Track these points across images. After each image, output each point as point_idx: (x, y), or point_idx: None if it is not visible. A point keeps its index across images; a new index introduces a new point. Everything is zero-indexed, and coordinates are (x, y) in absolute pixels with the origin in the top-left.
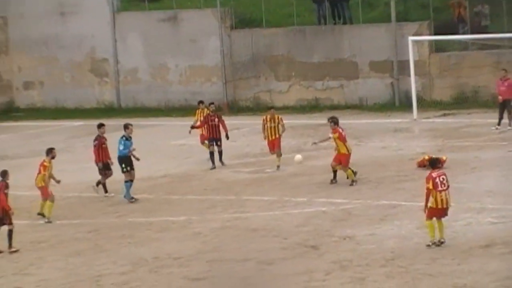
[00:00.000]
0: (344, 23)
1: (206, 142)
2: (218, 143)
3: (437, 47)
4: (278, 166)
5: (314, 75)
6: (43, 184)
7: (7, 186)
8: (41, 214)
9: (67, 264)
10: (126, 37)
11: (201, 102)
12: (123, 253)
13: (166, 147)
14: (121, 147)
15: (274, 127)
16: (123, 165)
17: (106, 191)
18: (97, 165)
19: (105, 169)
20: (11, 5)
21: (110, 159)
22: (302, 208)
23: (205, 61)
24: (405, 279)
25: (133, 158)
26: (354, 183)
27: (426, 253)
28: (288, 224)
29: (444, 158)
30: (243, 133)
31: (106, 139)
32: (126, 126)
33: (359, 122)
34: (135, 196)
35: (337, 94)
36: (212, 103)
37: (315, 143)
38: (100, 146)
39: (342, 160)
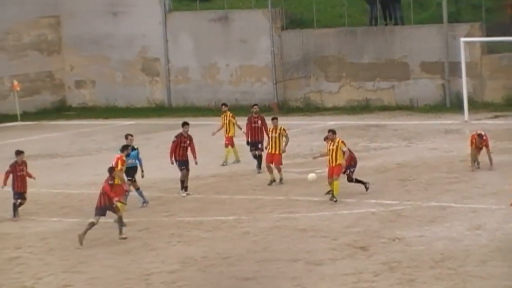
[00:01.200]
0: (396, 24)
1: (230, 147)
2: (260, 146)
3: (489, 49)
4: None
5: (364, 75)
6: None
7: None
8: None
9: (117, 262)
10: (177, 37)
11: (224, 104)
12: (172, 252)
13: (216, 147)
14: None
15: (275, 137)
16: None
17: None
18: (172, 161)
19: (180, 166)
20: (64, 5)
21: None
22: (351, 209)
23: (256, 61)
24: (454, 281)
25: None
26: (334, 199)
27: (476, 255)
28: (337, 225)
29: None
30: (293, 134)
31: (187, 139)
32: (125, 137)
33: (409, 123)
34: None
35: (388, 95)
36: (256, 105)
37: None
38: (179, 144)
39: (335, 171)
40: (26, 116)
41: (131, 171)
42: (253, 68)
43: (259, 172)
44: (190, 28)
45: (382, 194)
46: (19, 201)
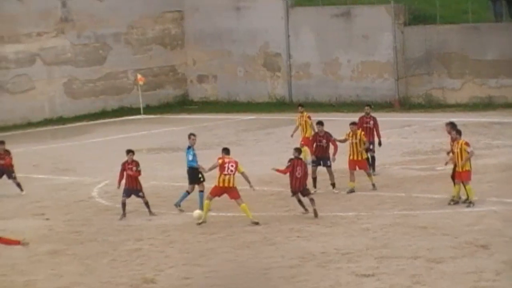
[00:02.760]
0: None
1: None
2: (371, 147)
3: None
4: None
5: (488, 72)
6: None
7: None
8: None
9: (236, 256)
10: (299, 32)
11: (300, 105)
12: (292, 247)
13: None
14: (190, 157)
15: (356, 143)
16: (200, 175)
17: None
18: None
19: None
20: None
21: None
22: (472, 207)
23: (378, 57)
24: None
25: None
26: (471, 204)
27: None
28: (458, 223)
29: None
30: (414, 130)
31: (325, 137)
32: (188, 136)
33: None
34: None
35: None
36: (368, 106)
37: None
38: (316, 141)
39: (464, 177)
40: (149, 109)
41: (195, 172)
42: (375, 64)
43: (373, 174)
44: (312, 23)
45: (505, 193)
46: (142, 198)
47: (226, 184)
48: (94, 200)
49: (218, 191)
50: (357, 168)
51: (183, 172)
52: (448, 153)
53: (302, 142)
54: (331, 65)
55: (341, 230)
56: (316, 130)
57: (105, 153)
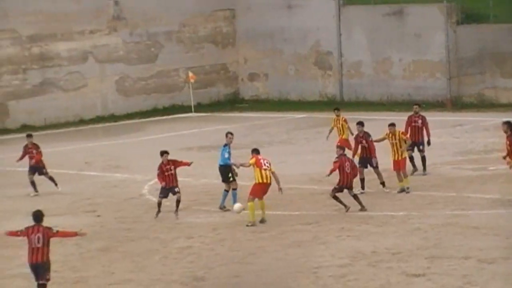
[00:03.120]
0: None
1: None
2: (421, 147)
3: None
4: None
5: None
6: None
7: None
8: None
9: (286, 254)
10: (350, 31)
11: (336, 109)
12: (342, 246)
13: (387, 142)
14: (226, 155)
15: (396, 143)
16: (230, 174)
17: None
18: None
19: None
20: None
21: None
22: None
23: (430, 56)
24: None
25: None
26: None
27: None
28: (510, 223)
29: None
30: (466, 130)
31: (364, 137)
32: (226, 134)
33: None
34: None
35: None
36: (417, 105)
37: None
38: (359, 142)
39: (401, 165)
40: (200, 107)
41: (231, 170)
42: (427, 63)
43: (414, 171)
44: (364, 22)
45: None
46: (177, 195)
47: (265, 180)
48: (145, 198)
49: (259, 188)
50: (400, 167)
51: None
52: (504, 157)
53: (339, 144)
54: (382, 64)
55: (391, 229)
56: (357, 132)
57: (156, 151)
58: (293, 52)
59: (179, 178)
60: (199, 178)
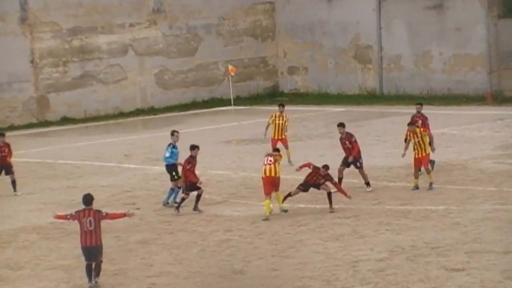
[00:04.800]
0: None
1: None
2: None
3: None
4: (431, 184)
5: None
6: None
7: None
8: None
9: (325, 248)
10: (390, 24)
11: (281, 105)
12: (381, 240)
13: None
14: (167, 155)
15: (419, 141)
16: (174, 173)
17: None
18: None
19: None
20: None
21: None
22: None
23: (470, 50)
24: None
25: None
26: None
27: None
28: None
29: None
30: (507, 124)
31: (346, 139)
32: (171, 133)
33: None
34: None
35: None
36: (419, 104)
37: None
38: (341, 143)
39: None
40: (239, 100)
41: (175, 168)
42: (468, 57)
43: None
44: (404, 16)
45: None
46: (199, 192)
47: (267, 174)
48: None
49: (263, 183)
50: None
51: None
52: None
53: (276, 140)
54: (423, 57)
55: (431, 224)
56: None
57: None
58: (333, 45)
59: (217, 172)
60: (237, 171)
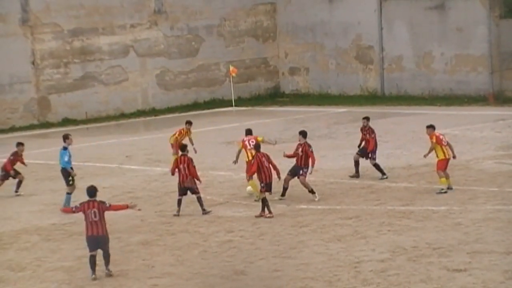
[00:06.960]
0: None
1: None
2: (374, 155)
3: None
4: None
5: None
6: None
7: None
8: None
9: (327, 249)
10: (392, 25)
11: (188, 122)
12: (383, 241)
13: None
14: (66, 159)
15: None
16: (70, 178)
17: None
18: None
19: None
20: None
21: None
22: None
23: (472, 50)
24: None
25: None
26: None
27: None
28: None
29: None
30: (509, 124)
31: (302, 146)
32: (66, 137)
33: None
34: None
35: None
36: (365, 118)
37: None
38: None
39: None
40: (240, 101)
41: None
42: (469, 58)
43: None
44: (406, 16)
45: None
46: (196, 195)
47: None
48: None
49: (251, 165)
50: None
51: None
52: None
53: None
54: (424, 58)
55: (433, 224)
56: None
57: (196, 145)
58: (334, 46)
59: (219, 172)
60: (239, 172)
